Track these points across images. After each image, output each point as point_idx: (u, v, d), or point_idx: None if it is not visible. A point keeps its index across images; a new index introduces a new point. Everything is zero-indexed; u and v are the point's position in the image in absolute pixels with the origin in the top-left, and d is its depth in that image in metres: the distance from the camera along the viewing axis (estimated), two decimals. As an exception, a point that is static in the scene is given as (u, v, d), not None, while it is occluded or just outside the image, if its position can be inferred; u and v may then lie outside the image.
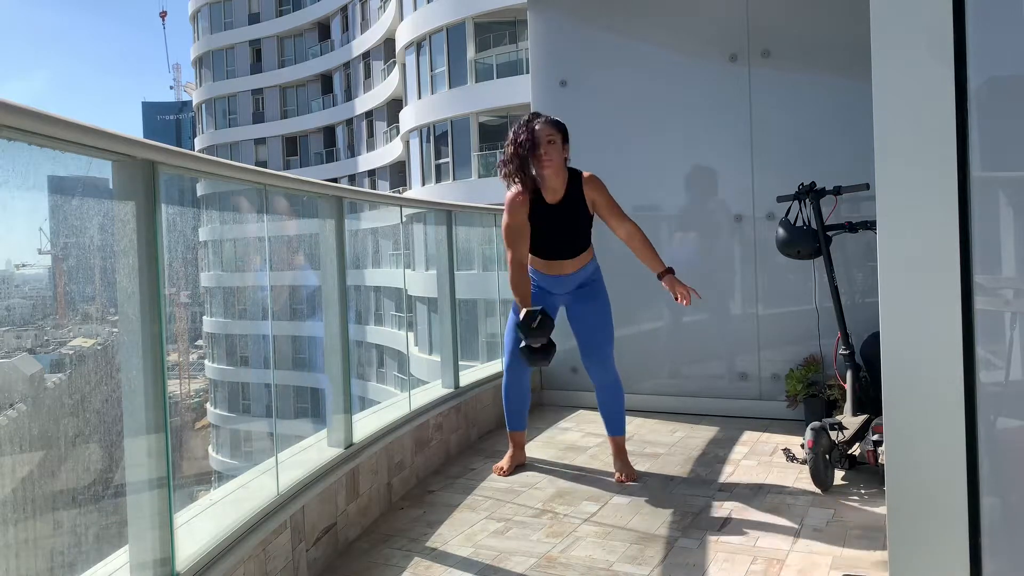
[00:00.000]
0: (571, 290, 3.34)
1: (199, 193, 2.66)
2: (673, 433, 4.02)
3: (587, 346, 3.33)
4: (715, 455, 3.61)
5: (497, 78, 21.78)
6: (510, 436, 3.50)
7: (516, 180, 3.18)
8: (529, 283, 3.19)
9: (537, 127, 3.15)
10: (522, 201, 3.19)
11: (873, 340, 3.47)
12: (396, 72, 27.65)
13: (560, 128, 3.18)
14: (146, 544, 1.83)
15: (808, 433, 3.01)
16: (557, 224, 3.23)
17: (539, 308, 3.03)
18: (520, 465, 3.50)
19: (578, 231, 3.26)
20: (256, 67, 37.02)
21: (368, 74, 31.79)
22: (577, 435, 4.02)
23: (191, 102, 51.94)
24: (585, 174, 3.24)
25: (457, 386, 3.99)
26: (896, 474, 1.59)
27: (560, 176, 3.19)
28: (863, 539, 2.58)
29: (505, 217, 3.21)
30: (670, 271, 3.21)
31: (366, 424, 3.14)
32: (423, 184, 24.15)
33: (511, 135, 3.19)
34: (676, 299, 3.17)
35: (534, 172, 3.16)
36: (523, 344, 3.03)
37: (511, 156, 3.16)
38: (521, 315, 3.03)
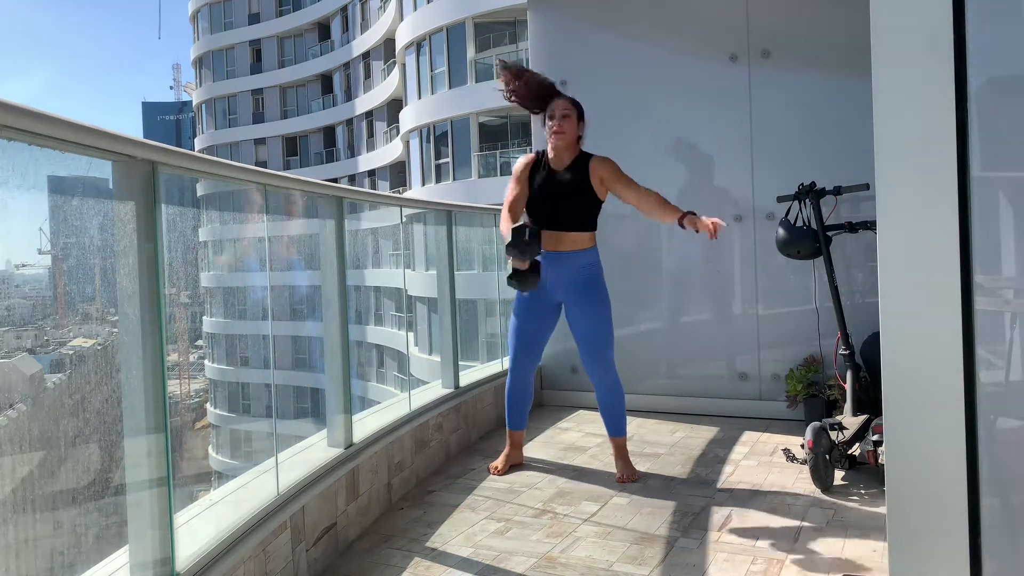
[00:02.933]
0: (566, 280, 3.26)
1: (199, 193, 2.66)
2: (673, 433, 4.02)
3: (587, 348, 3.30)
4: (715, 455, 3.61)
5: (497, 78, 21.74)
6: (509, 435, 3.50)
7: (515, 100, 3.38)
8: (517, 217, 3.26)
9: (554, 101, 3.28)
10: (525, 168, 3.32)
11: (873, 340, 3.47)
12: (396, 72, 27.65)
13: (576, 105, 3.30)
14: (146, 544, 1.83)
15: (808, 433, 3.01)
16: (552, 191, 3.25)
17: (527, 223, 3.05)
18: (515, 465, 3.50)
19: (571, 204, 3.24)
20: (256, 67, 37.02)
21: (368, 74, 31.79)
22: (577, 435, 4.02)
23: (191, 102, 51.93)
24: (596, 156, 3.27)
25: (457, 386, 3.98)
26: (896, 474, 1.59)
27: (570, 151, 3.27)
28: (863, 539, 2.58)
29: (509, 184, 3.33)
30: (691, 213, 3.05)
31: (366, 424, 3.14)
32: (423, 184, 24.15)
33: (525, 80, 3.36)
34: (710, 236, 2.98)
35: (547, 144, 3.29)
36: (512, 269, 3.05)
37: (523, 96, 3.34)
38: (511, 229, 2.99)
